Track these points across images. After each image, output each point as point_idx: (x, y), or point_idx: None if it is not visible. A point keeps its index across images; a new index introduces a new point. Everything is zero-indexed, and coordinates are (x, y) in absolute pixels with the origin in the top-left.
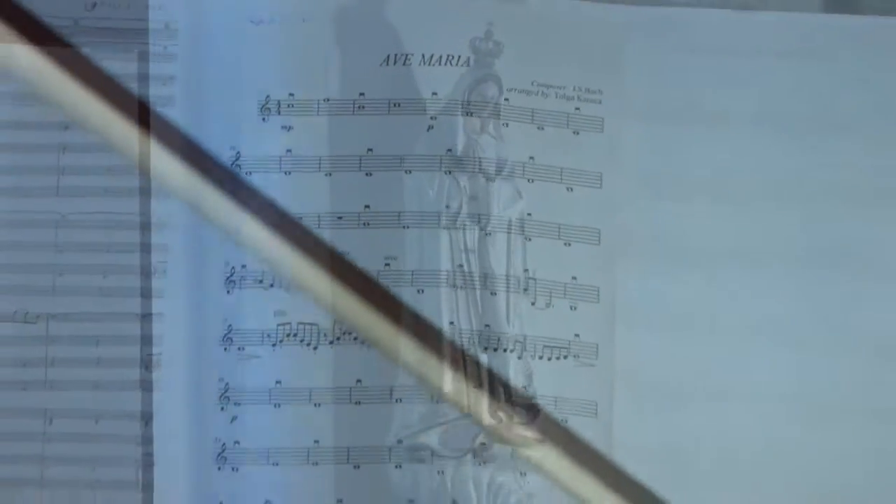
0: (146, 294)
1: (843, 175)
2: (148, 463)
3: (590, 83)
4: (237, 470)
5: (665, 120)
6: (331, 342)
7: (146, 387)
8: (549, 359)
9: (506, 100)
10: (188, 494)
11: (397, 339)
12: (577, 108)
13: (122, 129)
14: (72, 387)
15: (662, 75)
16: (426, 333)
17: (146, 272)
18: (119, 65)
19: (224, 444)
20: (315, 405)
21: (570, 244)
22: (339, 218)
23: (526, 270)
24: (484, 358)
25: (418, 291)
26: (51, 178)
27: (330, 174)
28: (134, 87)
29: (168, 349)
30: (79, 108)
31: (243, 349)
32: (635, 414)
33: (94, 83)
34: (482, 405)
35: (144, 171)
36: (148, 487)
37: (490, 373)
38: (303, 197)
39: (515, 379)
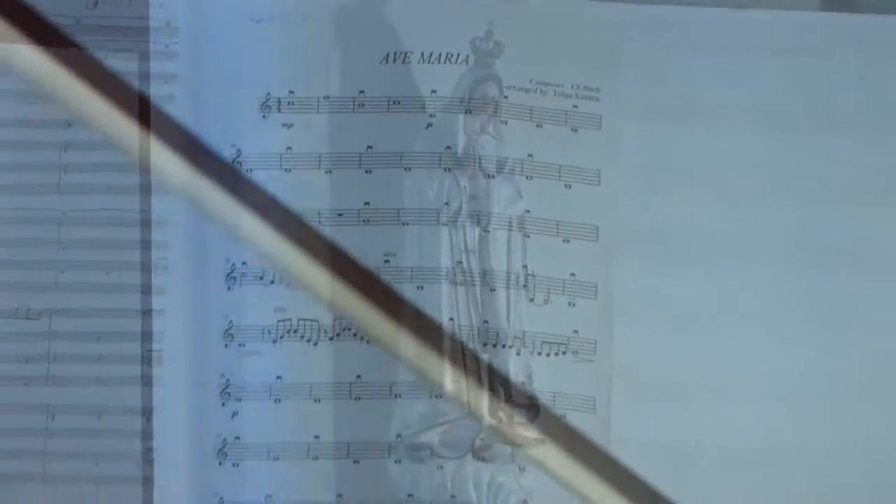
0: (147, 290)
1: (841, 173)
2: (149, 458)
3: (588, 81)
4: (238, 465)
5: (662, 117)
6: (331, 338)
7: (147, 382)
8: (548, 355)
9: (505, 97)
10: (189, 489)
11: (398, 334)
12: (576, 106)
13: (124, 126)
14: (74, 382)
15: (660, 73)
16: (427, 329)
17: (147, 269)
18: (120, 63)
19: (225, 439)
20: (315, 401)
21: (568, 241)
22: (339, 215)
23: (525, 267)
24: (483, 354)
25: (418, 288)
26: (53, 175)
27: (330, 171)
28: (135, 85)
29: (169, 345)
30: (80, 105)
31: (244, 345)
32: (633, 409)
33: (96, 81)
34: (482, 403)
35: (145, 168)
36: (149, 482)
37: (490, 369)
38: (303, 194)
39: (515, 375)
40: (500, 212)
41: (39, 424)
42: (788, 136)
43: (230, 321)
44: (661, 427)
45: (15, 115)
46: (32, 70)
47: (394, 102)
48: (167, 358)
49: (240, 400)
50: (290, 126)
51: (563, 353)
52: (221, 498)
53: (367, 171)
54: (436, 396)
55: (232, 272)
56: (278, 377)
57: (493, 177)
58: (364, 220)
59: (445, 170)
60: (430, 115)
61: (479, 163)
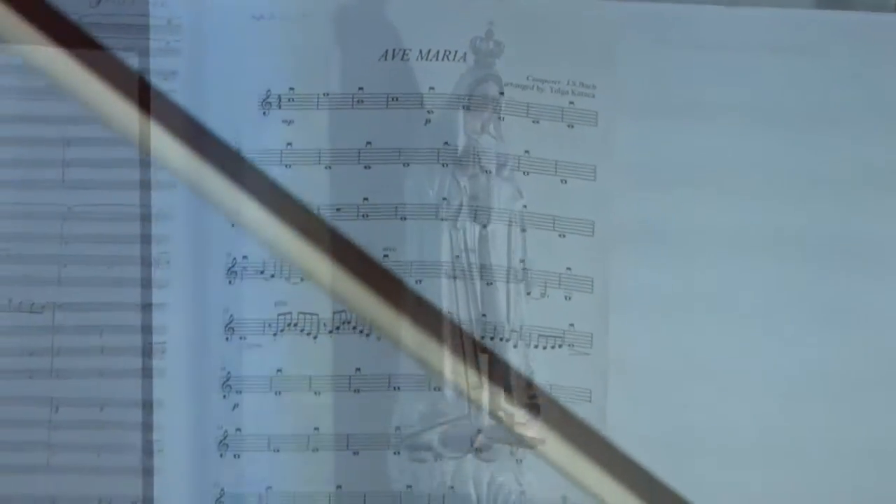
0: (149, 284)
1: (836, 169)
2: (151, 450)
3: (584, 78)
4: (239, 456)
5: (658, 114)
6: (330, 332)
7: (149, 375)
8: (545, 348)
9: (501, 94)
10: (190, 480)
11: (399, 322)
12: (572, 103)
13: (125, 112)
14: (77, 375)
15: (655, 70)
16: (428, 318)
17: (149, 263)
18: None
19: (226, 431)
20: (315, 393)
21: (564, 235)
22: (339, 210)
23: (522, 261)
24: (483, 349)
25: (417, 282)
26: (56, 171)
27: (329, 167)
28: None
29: (171, 338)
30: (80, 87)
31: (245, 338)
32: (628, 402)
33: (97, 67)
34: (483, 396)
35: (146, 157)
36: (151, 473)
37: (490, 363)
38: (303, 189)
39: (513, 369)
40: (499, 209)
41: (43, 416)
42: (783, 132)
43: (231, 315)
44: (656, 419)
45: (19, 111)
46: (39, 63)
47: (392, 99)
48: (169, 351)
49: (240, 392)
50: (290, 122)
51: (560, 346)
52: (222, 489)
53: (366, 167)
54: (435, 389)
55: (233, 266)
56: (278, 370)
57: (493, 176)
58: (363, 216)
59: (443, 165)
60: (429, 112)
61: (479, 162)
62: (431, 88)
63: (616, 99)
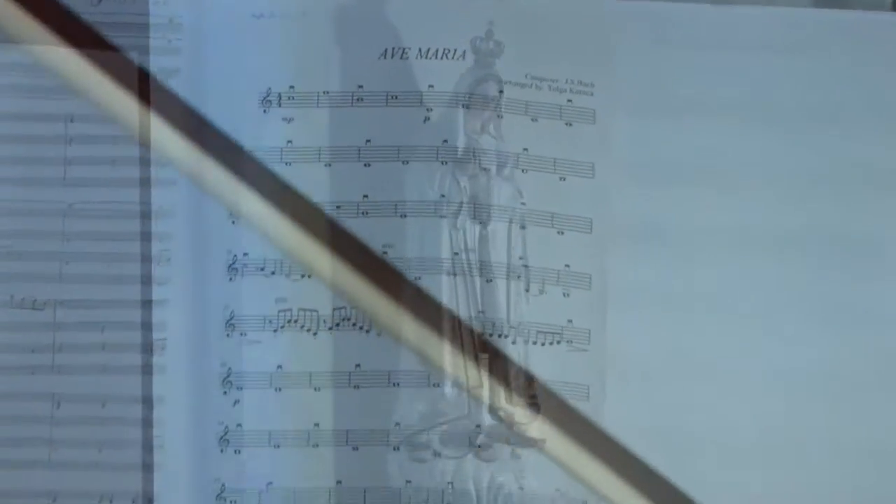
0: (150, 281)
1: (831, 166)
2: (152, 445)
3: (582, 76)
4: (239, 452)
5: (655, 112)
6: (330, 328)
7: (150, 371)
8: (543, 344)
9: (501, 92)
10: (191, 476)
11: (399, 316)
12: (570, 101)
13: (125, 102)
14: (78, 371)
15: (653, 68)
16: (429, 314)
17: (150, 260)
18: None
19: (227, 426)
20: (315, 389)
21: (562, 232)
22: (338, 207)
23: (520, 258)
24: (483, 348)
25: (416, 278)
26: (58, 168)
27: (329, 165)
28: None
29: (172, 335)
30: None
31: (245, 335)
32: (626, 398)
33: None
34: (483, 398)
35: (146, 155)
36: (152, 469)
37: (490, 361)
38: (303, 187)
39: (513, 368)
40: (498, 207)
41: (45, 412)
42: (780, 130)
43: (231, 311)
44: (654, 416)
45: (20, 109)
46: (40, 59)
47: (392, 97)
48: (170, 347)
49: (241, 388)
50: (290, 120)
51: (558, 342)
52: (223, 484)
53: (365, 165)
54: (434, 385)
55: (233, 263)
56: (279, 366)
57: (493, 174)
58: (363, 213)
59: (443, 163)
60: (428, 110)
61: (479, 161)
62: (431, 87)
63: (614, 97)
